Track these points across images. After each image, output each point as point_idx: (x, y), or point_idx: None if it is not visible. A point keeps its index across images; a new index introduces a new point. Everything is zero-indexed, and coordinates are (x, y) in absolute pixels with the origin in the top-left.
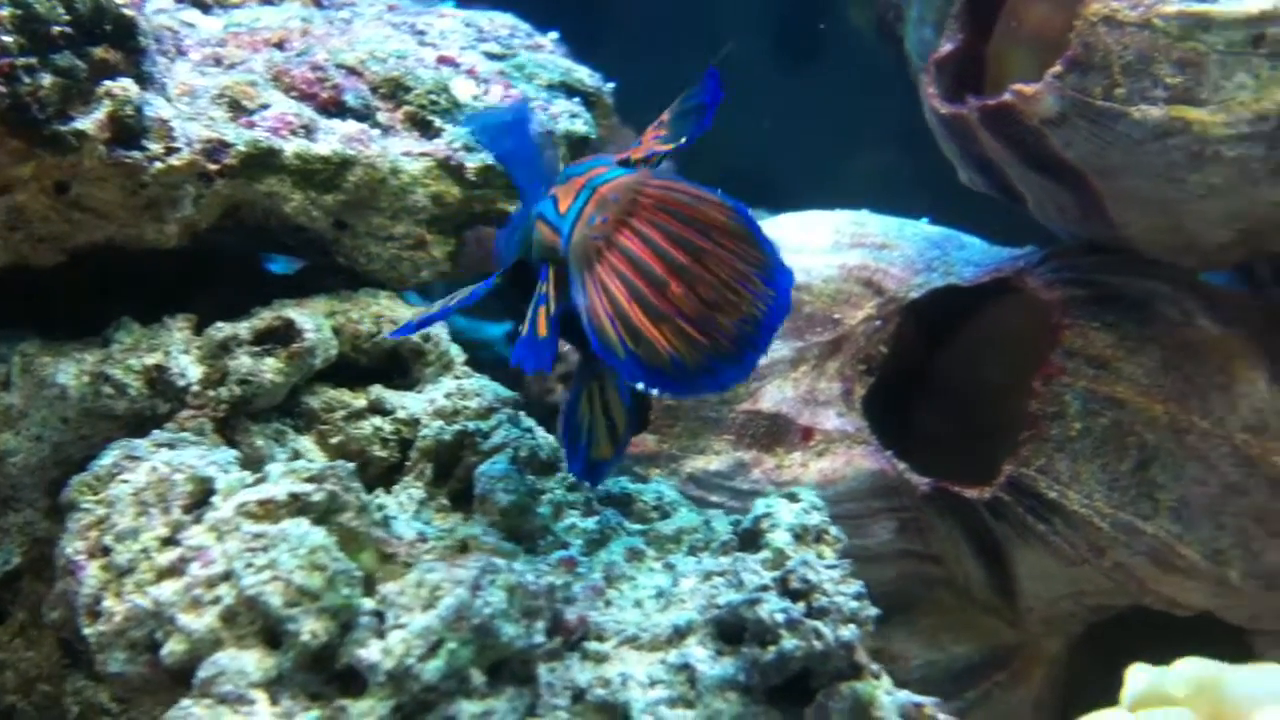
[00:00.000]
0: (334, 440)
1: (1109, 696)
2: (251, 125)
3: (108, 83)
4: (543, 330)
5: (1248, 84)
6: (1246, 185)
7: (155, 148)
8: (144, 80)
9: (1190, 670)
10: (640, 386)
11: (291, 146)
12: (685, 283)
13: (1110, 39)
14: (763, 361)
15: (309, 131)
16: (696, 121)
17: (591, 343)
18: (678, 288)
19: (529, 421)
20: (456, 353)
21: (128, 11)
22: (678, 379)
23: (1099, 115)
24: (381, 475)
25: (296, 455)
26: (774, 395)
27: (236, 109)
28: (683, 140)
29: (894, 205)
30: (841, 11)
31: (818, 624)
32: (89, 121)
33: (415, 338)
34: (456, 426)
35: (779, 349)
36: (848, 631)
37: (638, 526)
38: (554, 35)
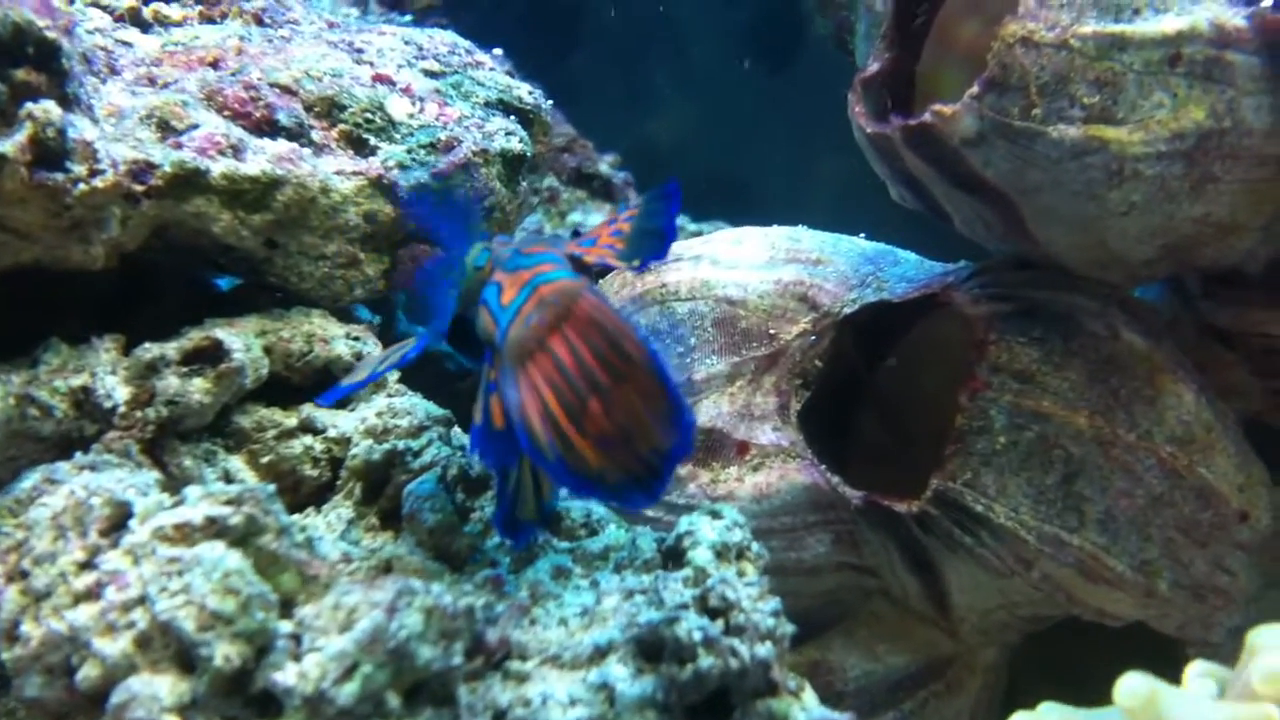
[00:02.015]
0: (265, 460)
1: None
2: (179, 146)
3: (29, 105)
4: (499, 421)
5: (1165, 103)
6: (1167, 202)
7: (79, 170)
8: (68, 102)
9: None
10: (565, 490)
11: (219, 167)
12: (605, 404)
13: (1027, 60)
14: (698, 376)
15: (238, 151)
16: (653, 249)
17: (520, 440)
18: (597, 407)
19: (462, 439)
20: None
21: (50, 34)
22: (600, 490)
23: (1017, 135)
24: (312, 495)
25: (226, 475)
26: (710, 410)
27: (165, 129)
28: (636, 264)
29: (862, 214)
30: (810, 21)
31: (734, 642)
32: (10, 144)
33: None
34: (386, 445)
35: (716, 364)
36: (764, 649)
37: (565, 544)
38: (497, 52)
